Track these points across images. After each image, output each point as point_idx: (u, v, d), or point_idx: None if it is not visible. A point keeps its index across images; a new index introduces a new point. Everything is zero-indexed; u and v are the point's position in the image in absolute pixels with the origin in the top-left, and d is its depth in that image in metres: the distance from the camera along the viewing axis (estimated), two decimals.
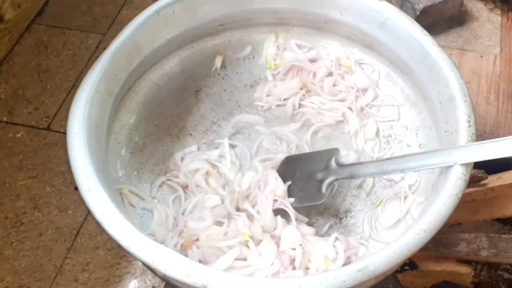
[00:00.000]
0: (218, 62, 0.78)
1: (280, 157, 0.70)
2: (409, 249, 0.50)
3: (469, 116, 0.58)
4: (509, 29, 1.14)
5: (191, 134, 0.75)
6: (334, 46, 0.77)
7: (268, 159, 0.71)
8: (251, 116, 0.76)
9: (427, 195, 0.62)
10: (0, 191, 1.12)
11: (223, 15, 0.74)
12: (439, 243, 0.87)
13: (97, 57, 0.64)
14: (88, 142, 0.57)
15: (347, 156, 0.70)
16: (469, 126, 0.58)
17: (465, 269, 0.90)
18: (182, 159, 0.71)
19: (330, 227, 0.66)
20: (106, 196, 0.53)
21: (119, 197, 0.63)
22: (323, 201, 0.64)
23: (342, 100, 0.75)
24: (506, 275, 0.97)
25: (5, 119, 1.24)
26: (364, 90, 0.74)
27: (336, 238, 0.61)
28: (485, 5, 1.17)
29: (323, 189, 0.64)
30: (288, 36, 0.78)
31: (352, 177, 0.64)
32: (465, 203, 0.89)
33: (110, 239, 0.55)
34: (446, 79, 0.61)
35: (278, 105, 0.77)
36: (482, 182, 0.85)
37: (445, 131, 0.62)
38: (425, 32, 0.66)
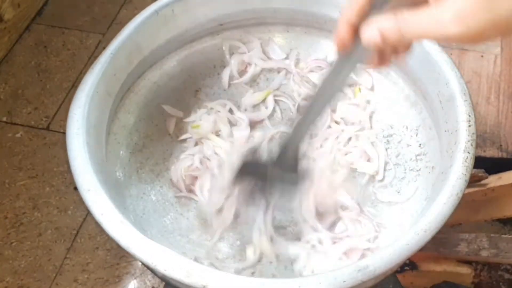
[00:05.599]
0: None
1: None
2: (409, 249, 0.50)
3: (469, 116, 0.58)
4: None
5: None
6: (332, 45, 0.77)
7: None
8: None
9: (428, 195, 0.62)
10: None
11: (223, 15, 0.74)
12: (439, 243, 0.87)
13: (96, 57, 0.64)
14: (88, 142, 0.57)
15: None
16: (469, 126, 0.57)
17: (465, 270, 0.90)
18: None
19: None
20: (106, 196, 0.53)
21: None
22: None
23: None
24: (507, 276, 0.97)
25: (4, 119, 1.24)
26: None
27: None
28: None
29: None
30: (288, 36, 0.78)
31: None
32: (465, 203, 0.89)
33: (109, 239, 0.55)
34: (446, 79, 0.61)
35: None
36: (483, 182, 0.85)
37: (445, 131, 0.61)
38: None
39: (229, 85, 0.77)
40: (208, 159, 0.70)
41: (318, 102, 0.52)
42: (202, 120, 0.73)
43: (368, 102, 0.74)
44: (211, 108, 0.75)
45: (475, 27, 0.36)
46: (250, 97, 0.76)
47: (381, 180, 0.69)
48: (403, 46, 0.45)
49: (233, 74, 0.77)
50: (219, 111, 0.74)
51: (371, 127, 0.73)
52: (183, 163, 0.69)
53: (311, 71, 0.77)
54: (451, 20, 0.36)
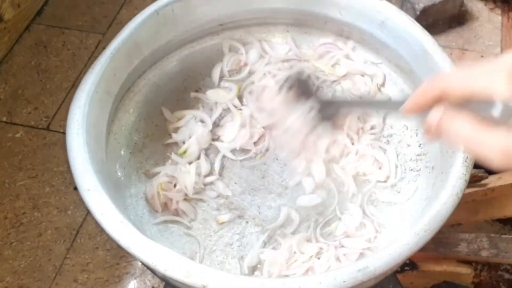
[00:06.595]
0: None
1: None
2: (409, 249, 0.50)
3: None
4: (510, 28, 1.14)
5: None
6: (332, 44, 0.77)
7: None
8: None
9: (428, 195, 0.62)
10: None
11: (223, 15, 0.74)
12: (439, 243, 0.87)
13: (96, 57, 0.64)
14: (88, 142, 0.57)
15: None
16: None
17: (465, 270, 0.90)
18: None
19: None
20: (106, 196, 0.53)
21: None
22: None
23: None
24: (507, 276, 0.97)
25: (4, 119, 1.24)
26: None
27: None
28: (485, 5, 1.17)
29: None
30: (288, 36, 0.78)
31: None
32: (465, 203, 0.89)
33: (109, 239, 0.55)
34: None
35: None
36: (483, 182, 0.85)
37: None
38: (425, 32, 0.65)
39: (219, 82, 0.77)
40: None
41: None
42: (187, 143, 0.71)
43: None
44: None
45: None
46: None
47: (385, 181, 0.68)
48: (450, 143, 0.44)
49: (224, 73, 0.77)
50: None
51: (383, 129, 0.72)
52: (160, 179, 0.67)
53: (320, 57, 0.77)
54: (498, 155, 0.36)
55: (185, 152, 0.70)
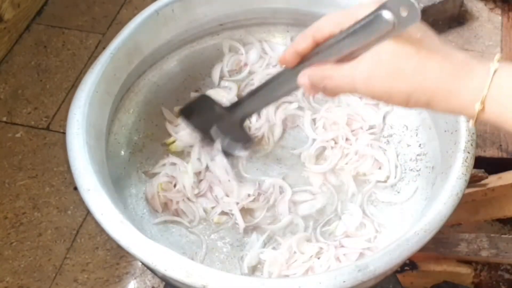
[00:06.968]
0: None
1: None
2: (409, 249, 0.50)
3: None
4: (510, 28, 1.14)
5: None
6: None
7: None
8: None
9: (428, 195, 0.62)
10: None
11: (223, 15, 0.74)
12: (439, 243, 0.87)
13: (96, 57, 0.64)
14: (88, 142, 0.57)
15: None
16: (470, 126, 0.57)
17: (465, 270, 0.90)
18: None
19: None
20: (106, 196, 0.53)
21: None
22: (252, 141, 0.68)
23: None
24: (507, 276, 0.97)
25: (4, 119, 1.24)
26: None
27: None
28: (485, 4, 1.17)
29: (245, 132, 0.66)
30: (288, 36, 0.78)
31: (249, 114, 0.65)
32: (465, 203, 0.89)
33: (109, 239, 0.55)
34: None
35: None
36: (483, 182, 0.85)
37: (445, 131, 0.61)
38: None
39: (219, 82, 0.77)
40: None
41: (262, 96, 0.59)
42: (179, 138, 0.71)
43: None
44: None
45: (379, 92, 0.43)
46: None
47: (385, 181, 0.68)
48: (330, 93, 0.51)
49: (224, 74, 0.77)
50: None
51: (383, 129, 0.72)
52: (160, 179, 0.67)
53: None
54: (361, 82, 0.43)
55: (173, 142, 0.70)
